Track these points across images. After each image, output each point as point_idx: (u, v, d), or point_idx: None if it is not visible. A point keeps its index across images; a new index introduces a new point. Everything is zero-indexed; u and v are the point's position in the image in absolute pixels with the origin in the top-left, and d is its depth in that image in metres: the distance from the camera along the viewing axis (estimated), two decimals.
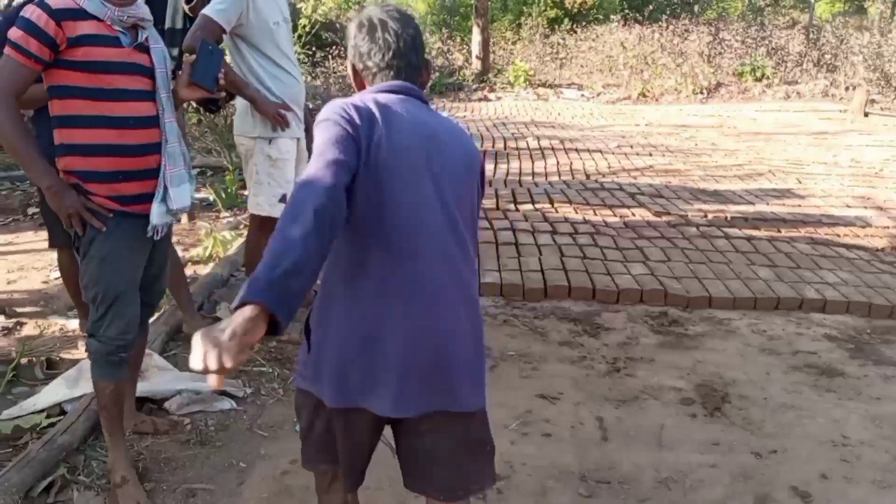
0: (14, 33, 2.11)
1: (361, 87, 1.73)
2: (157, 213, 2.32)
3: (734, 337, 3.86)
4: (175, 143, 2.36)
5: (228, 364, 1.18)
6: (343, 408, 1.61)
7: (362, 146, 1.52)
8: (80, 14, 2.16)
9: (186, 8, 4.83)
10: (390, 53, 1.66)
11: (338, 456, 1.70)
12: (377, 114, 1.57)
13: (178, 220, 2.52)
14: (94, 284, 2.30)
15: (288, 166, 3.41)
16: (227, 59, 3.19)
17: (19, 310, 3.92)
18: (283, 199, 3.34)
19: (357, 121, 1.53)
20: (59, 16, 2.12)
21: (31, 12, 2.10)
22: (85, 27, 2.15)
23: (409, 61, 1.69)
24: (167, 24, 4.85)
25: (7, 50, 2.13)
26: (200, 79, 2.32)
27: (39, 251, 4.77)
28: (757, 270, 4.62)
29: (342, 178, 1.45)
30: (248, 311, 1.22)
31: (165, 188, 2.32)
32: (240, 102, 3.37)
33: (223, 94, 2.42)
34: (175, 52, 4.90)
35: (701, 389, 3.29)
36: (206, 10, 3.11)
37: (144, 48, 2.30)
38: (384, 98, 1.63)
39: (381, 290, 1.55)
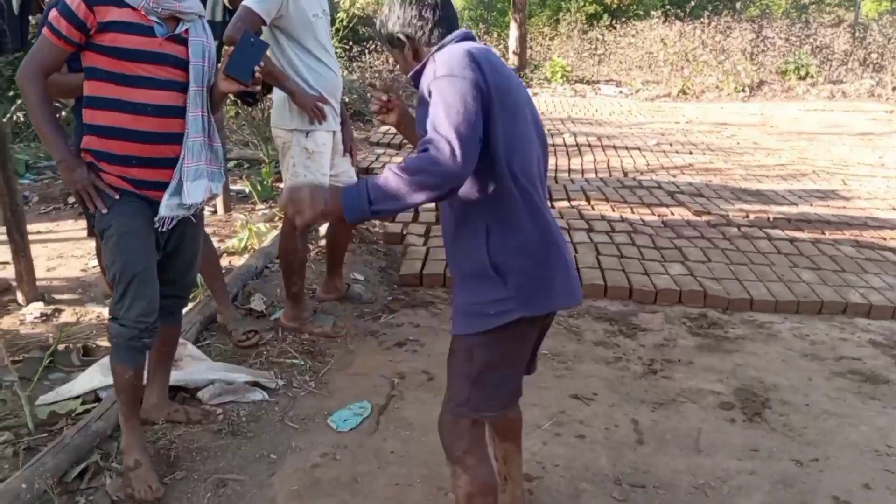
0: (51, 14, 2.22)
1: (416, 55, 1.88)
2: (165, 205, 2.33)
3: (776, 341, 3.76)
4: (198, 137, 2.35)
5: (300, 220, 1.71)
6: (544, 314, 1.89)
7: (488, 93, 1.71)
8: (115, 1, 2.21)
9: (226, 1, 4.88)
10: (439, 8, 1.87)
11: (504, 400, 1.97)
12: (481, 60, 1.74)
13: (198, 212, 2.54)
14: (113, 262, 2.33)
15: (324, 159, 3.39)
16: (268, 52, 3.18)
17: (58, 297, 3.97)
18: None
19: (479, 69, 1.72)
20: (93, 1, 2.19)
21: None
22: (117, 14, 2.21)
23: (452, 12, 1.91)
24: (206, 18, 4.90)
25: (43, 30, 2.26)
26: (235, 71, 2.28)
27: (78, 239, 4.83)
28: (800, 273, 4.50)
29: (477, 138, 1.67)
30: (336, 210, 1.67)
31: (181, 181, 2.33)
32: (277, 95, 3.36)
33: (258, 87, 2.38)
34: (215, 44, 4.97)
35: (740, 394, 3.20)
36: (247, 1, 3.11)
37: (181, 40, 2.30)
38: (467, 45, 1.81)
39: (536, 208, 1.82)
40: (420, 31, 1.87)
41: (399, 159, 6.41)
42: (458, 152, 1.61)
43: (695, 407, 3.09)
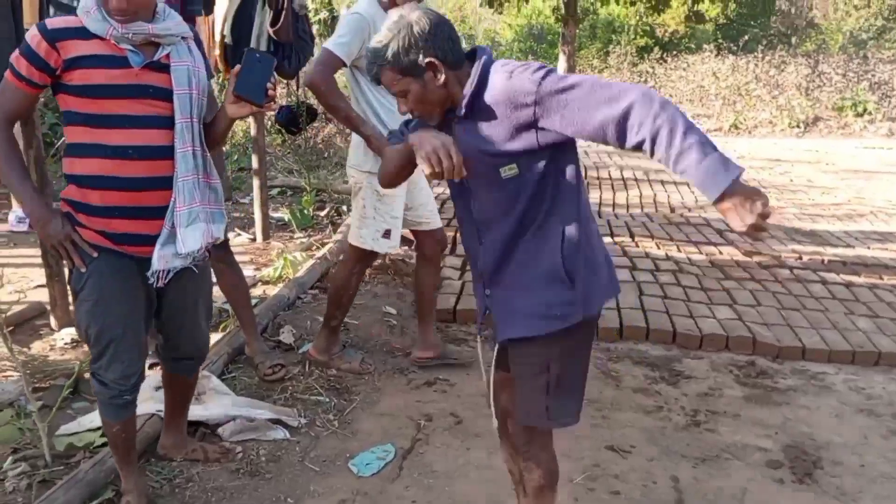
0: (13, 55, 2.03)
1: (448, 80, 1.78)
2: (158, 257, 2.09)
3: (829, 394, 3.53)
4: (189, 176, 2.10)
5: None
6: (598, 312, 1.90)
7: None
8: (81, 33, 1.98)
9: (271, 31, 4.91)
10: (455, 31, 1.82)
11: (580, 404, 1.99)
12: None
13: (202, 261, 2.29)
14: (87, 326, 2.15)
15: (396, 202, 3.25)
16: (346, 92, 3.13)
17: None
18: (386, 234, 3.24)
19: None
20: (54, 36, 1.97)
21: (30, 33, 2.00)
22: (83, 47, 1.98)
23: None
24: (252, 46, 4.94)
25: (6, 72, 2.06)
26: (245, 91, 2.05)
27: None
28: (856, 321, 4.26)
29: None
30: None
31: (173, 228, 2.09)
32: (355, 136, 3.26)
33: (274, 106, 2.18)
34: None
35: (790, 451, 2.99)
36: (328, 44, 3.02)
37: (162, 66, 2.06)
38: (503, 61, 1.83)
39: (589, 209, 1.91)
40: (453, 54, 1.78)
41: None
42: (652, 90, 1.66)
43: (740, 464, 2.89)
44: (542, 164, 1.76)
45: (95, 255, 2.09)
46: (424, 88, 1.78)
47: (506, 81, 1.72)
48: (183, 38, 2.11)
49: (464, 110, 1.78)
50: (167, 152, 2.07)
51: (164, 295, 2.25)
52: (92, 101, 1.99)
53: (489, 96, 1.75)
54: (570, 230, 1.81)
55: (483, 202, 1.85)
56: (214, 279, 3.46)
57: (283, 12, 4.80)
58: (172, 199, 2.07)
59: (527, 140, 1.73)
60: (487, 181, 1.80)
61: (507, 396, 2.07)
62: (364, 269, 3.46)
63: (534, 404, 1.93)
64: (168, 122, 2.06)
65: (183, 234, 2.10)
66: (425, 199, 3.45)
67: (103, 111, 2.00)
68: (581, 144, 10.81)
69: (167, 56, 2.06)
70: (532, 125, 1.71)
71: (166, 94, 2.05)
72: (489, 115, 1.74)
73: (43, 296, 3.98)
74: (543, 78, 1.69)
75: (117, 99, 2.00)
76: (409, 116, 1.89)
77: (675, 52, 16.59)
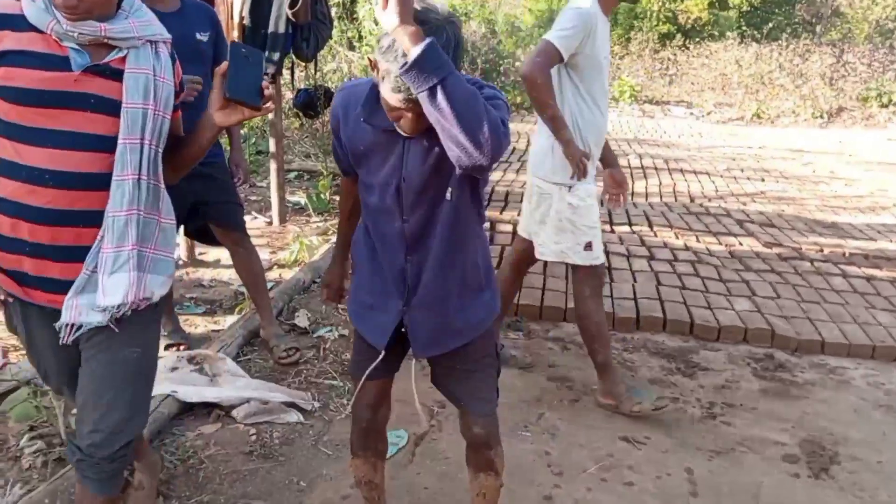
0: None
1: None
2: (69, 306, 1.65)
3: (848, 388, 3.48)
4: (125, 211, 1.64)
5: None
6: None
7: None
8: (16, 22, 1.60)
9: (290, 13, 4.89)
10: None
11: None
12: None
13: (117, 317, 1.71)
14: (39, 373, 1.88)
15: (591, 211, 3.04)
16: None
17: None
18: (588, 246, 3.02)
19: None
20: None
21: None
22: (13, 40, 1.59)
23: None
24: (270, 29, 4.92)
25: None
26: (236, 93, 1.69)
27: None
28: (877, 315, 4.19)
29: None
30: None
31: (95, 271, 1.65)
32: (540, 142, 3.06)
33: (270, 108, 1.76)
34: (276, 56, 4.97)
35: (807, 446, 2.96)
36: (550, 35, 2.79)
37: (112, 72, 1.64)
38: None
39: None
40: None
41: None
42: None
43: (756, 458, 2.86)
44: (468, 186, 1.77)
45: (10, 300, 1.75)
46: None
47: None
48: (152, 41, 1.71)
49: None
50: (99, 181, 1.64)
51: (80, 357, 1.77)
52: (14, 108, 1.60)
53: None
54: (483, 236, 1.93)
55: (419, 221, 1.78)
56: (231, 261, 3.49)
57: None
58: (100, 235, 1.65)
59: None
60: (431, 200, 1.75)
61: (386, 408, 2.12)
62: (597, 290, 3.12)
63: (489, 391, 2.00)
64: (110, 144, 1.64)
65: (105, 282, 1.65)
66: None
67: (26, 121, 1.60)
68: None
69: (122, 60, 1.66)
70: None
71: (112, 108, 1.64)
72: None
73: None
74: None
75: (46, 108, 1.60)
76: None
77: (697, 40, 16.35)
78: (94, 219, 1.65)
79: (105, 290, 1.64)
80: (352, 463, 2.15)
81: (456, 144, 1.52)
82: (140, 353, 1.77)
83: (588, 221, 3.04)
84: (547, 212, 3.07)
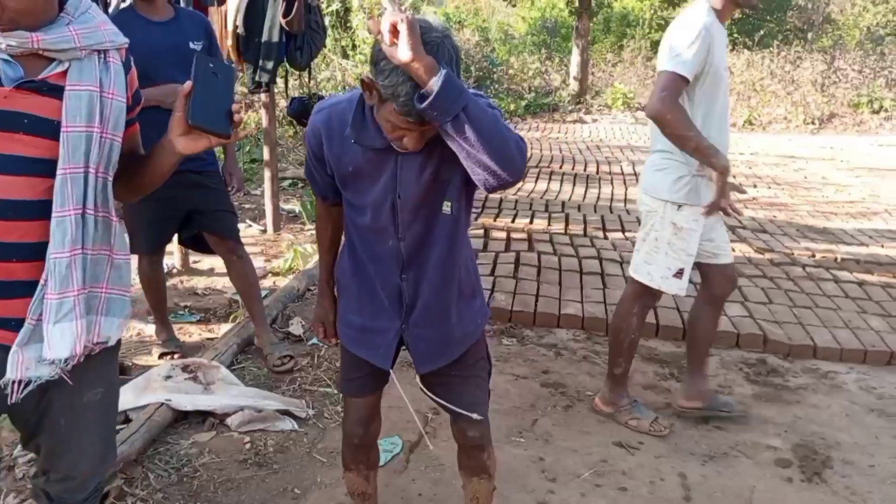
0: None
1: None
2: (14, 362, 1.44)
3: (840, 393, 3.50)
4: (68, 252, 1.43)
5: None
6: None
7: None
8: None
9: (283, 22, 4.91)
10: None
11: None
12: None
13: (63, 368, 1.49)
14: None
15: (693, 237, 2.83)
16: None
17: None
18: (678, 273, 2.86)
19: None
20: None
21: None
22: None
23: None
24: (264, 37, 4.94)
25: None
26: (201, 118, 1.43)
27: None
28: (868, 320, 4.22)
29: None
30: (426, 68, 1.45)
31: (39, 319, 1.44)
32: (652, 158, 2.89)
33: (240, 134, 1.55)
34: (270, 64, 4.99)
35: (799, 450, 2.97)
36: (669, 66, 2.61)
37: (50, 89, 1.41)
38: None
39: None
40: None
41: None
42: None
43: (749, 463, 2.88)
44: (465, 197, 1.78)
45: None
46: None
47: None
48: (100, 50, 1.47)
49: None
50: (34, 210, 1.43)
51: (31, 414, 1.60)
52: None
53: None
54: (470, 247, 1.94)
55: (415, 237, 1.76)
56: (225, 270, 3.50)
57: (296, 3, 4.79)
58: (42, 280, 1.43)
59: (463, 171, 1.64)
60: (426, 216, 1.74)
61: (377, 423, 2.10)
62: (646, 309, 3.07)
63: (482, 394, 2.01)
64: (45, 168, 1.42)
65: (51, 332, 1.44)
66: (719, 227, 2.99)
67: None
68: (595, 137, 10.75)
69: (62, 75, 1.42)
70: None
71: (50, 129, 1.41)
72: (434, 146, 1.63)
73: None
74: None
75: None
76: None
77: None
78: (28, 252, 1.44)
79: (51, 342, 1.44)
80: (345, 476, 2.14)
81: (483, 168, 1.51)
82: (103, 391, 1.63)
83: (688, 248, 2.85)
84: (648, 231, 2.92)
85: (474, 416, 1.95)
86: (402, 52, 1.40)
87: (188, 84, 1.43)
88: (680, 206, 2.81)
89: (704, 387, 3.16)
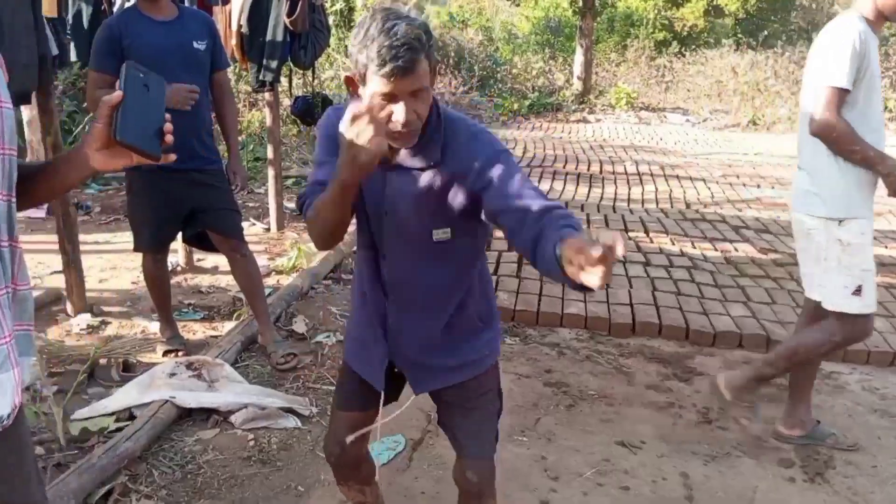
0: None
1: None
2: None
3: (842, 393, 3.50)
4: None
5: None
6: None
7: None
8: None
9: (287, 21, 4.92)
10: None
11: None
12: None
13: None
14: None
15: (865, 250, 2.72)
16: None
17: (106, 309, 4.00)
18: (857, 290, 2.70)
19: None
20: None
21: None
22: None
23: None
24: (268, 37, 4.96)
25: None
26: (131, 136, 1.23)
27: (133, 251, 4.89)
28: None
29: None
30: None
31: None
32: (802, 177, 2.80)
33: (171, 155, 1.32)
34: (274, 64, 5.00)
35: (802, 451, 2.97)
36: (827, 81, 2.56)
37: None
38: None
39: None
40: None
41: None
42: None
43: (751, 462, 2.88)
44: (474, 228, 1.68)
45: None
46: (429, 95, 1.52)
47: (474, 139, 1.60)
48: None
49: (437, 157, 1.59)
50: None
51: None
52: None
53: (452, 147, 1.59)
54: (479, 277, 1.80)
55: (399, 259, 1.70)
56: (228, 268, 3.51)
57: (300, 2, 4.81)
58: None
59: (468, 204, 1.59)
60: (414, 240, 1.66)
61: (363, 441, 1.96)
62: (849, 343, 2.91)
63: (488, 433, 1.89)
64: None
65: None
66: None
67: None
68: (598, 137, 10.75)
69: None
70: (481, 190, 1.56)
71: None
72: (439, 167, 1.58)
73: (59, 282, 4.03)
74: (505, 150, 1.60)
75: None
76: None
77: (693, 47, 16.46)
78: None
79: None
80: (339, 488, 2.10)
81: None
82: (27, 427, 1.36)
83: (862, 263, 2.71)
84: (817, 252, 2.78)
85: (472, 453, 1.88)
86: (595, 281, 1.17)
87: (117, 94, 1.23)
88: (841, 221, 2.71)
89: (807, 415, 3.06)
